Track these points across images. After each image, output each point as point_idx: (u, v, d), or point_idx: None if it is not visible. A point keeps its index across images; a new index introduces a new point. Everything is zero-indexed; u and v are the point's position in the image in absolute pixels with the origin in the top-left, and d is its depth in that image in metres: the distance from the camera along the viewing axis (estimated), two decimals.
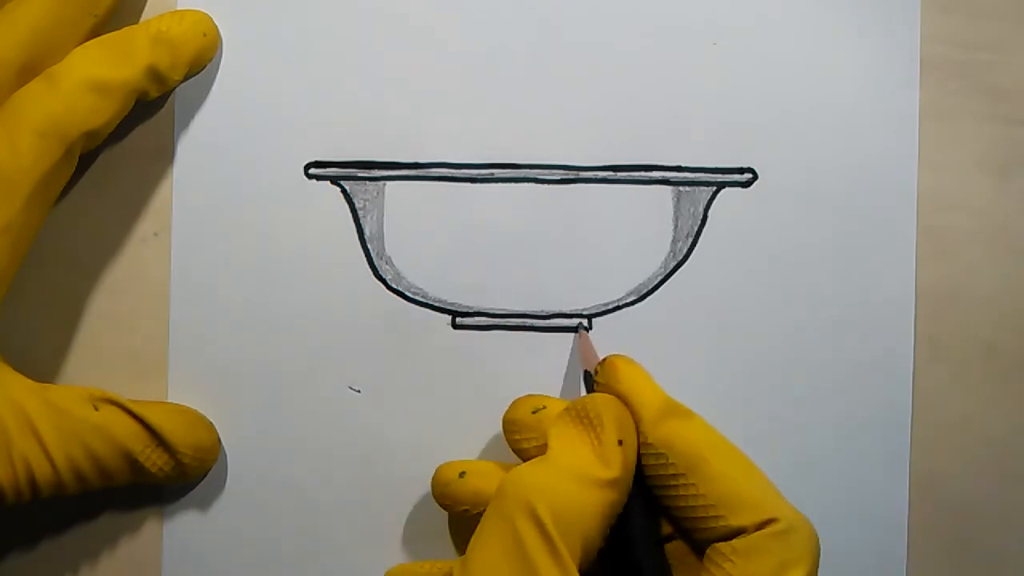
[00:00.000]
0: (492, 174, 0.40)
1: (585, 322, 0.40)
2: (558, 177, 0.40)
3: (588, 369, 0.38)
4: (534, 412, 0.37)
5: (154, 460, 0.38)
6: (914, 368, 0.40)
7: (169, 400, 0.40)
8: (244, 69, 0.40)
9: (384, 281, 0.40)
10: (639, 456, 0.35)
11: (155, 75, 0.38)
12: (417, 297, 0.40)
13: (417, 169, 0.40)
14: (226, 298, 0.40)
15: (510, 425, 0.38)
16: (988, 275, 0.40)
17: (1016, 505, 0.40)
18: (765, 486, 0.34)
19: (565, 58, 0.40)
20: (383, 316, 0.40)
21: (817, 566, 0.33)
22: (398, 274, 0.40)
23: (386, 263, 0.40)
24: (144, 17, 0.40)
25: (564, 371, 0.40)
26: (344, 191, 0.40)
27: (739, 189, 0.40)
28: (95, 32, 0.38)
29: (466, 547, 0.34)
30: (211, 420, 0.40)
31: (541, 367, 0.40)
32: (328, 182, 0.40)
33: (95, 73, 0.37)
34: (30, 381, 0.38)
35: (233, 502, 0.40)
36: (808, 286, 0.40)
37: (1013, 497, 0.40)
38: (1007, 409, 0.40)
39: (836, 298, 0.40)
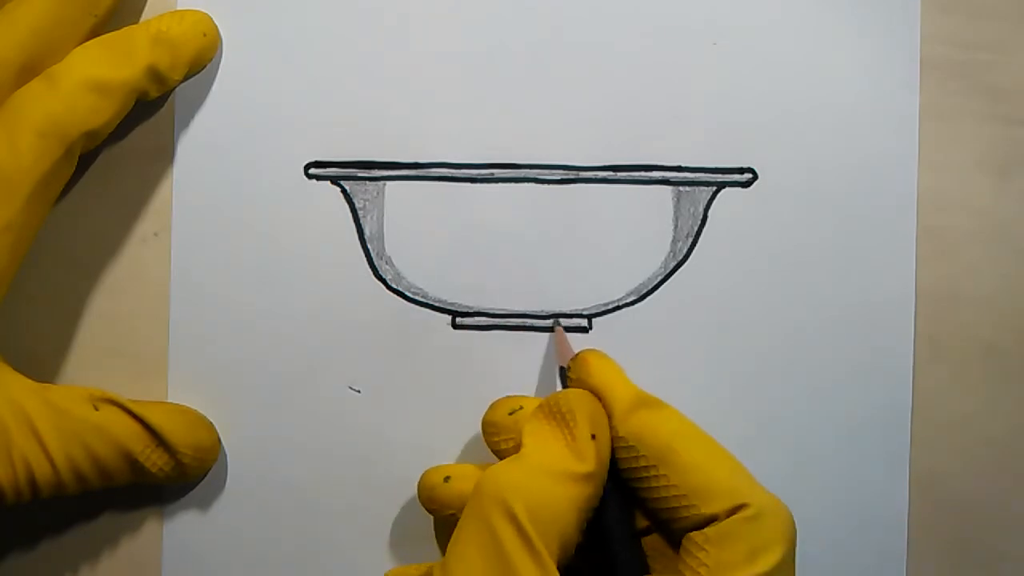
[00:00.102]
0: (492, 174, 0.40)
1: (584, 321, 0.40)
2: (558, 177, 0.40)
3: (563, 365, 0.38)
4: (511, 413, 0.37)
5: (154, 460, 0.38)
6: (914, 368, 0.40)
7: (169, 400, 0.40)
8: (244, 69, 0.40)
9: (384, 281, 0.40)
10: (612, 450, 0.35)
11: (155, 75, 0.38)
12: (417, 297, 0.40)
13: (417, 169, 0.40)
14: (226, 298, 0.40)
15: (488, 427, 0.38)
16: (988, 275, 0.40)
17: (1016, 505, 0.40)
18: (736, 472, 0.34)
19: (565, 58, 0.40)
20: (383, 316, 0.40)
21: (793, 548, 0.33)
22: (398, 274, 0.40)
23: (386, 263, 0.40)
24: (144, 17, 0.40)
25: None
26: (344, 191, 0.40)
27: (739, 189, 0.40)
28: (95, 32, 0.38)
29: None
30: (211, 420, 0.40)
31: (541, 367, 0.40)
32: (328, 182, 0.40)
33: (95, 73, 0.37)
34: (30, 381, 0.38)
35: (233, 502, 0.40)
36: (808, 286, 0.40)
37: (1013, 497, 0.40)
38: (1007, 409, 0.40)
39: (836, 298, 0.40)
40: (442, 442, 0.40)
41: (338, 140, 0.40)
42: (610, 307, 0.40)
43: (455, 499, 0.37)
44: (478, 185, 0.40)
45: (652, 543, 0.35)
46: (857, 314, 0.40)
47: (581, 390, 0.36)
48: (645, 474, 0.34)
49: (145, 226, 0.40)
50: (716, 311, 0.40)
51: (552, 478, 0.33)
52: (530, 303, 0.40)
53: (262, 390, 0.40)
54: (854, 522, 0.40)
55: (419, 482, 0.38)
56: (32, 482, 0.36)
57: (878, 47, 0.40)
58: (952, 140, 0.40)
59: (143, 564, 0.40)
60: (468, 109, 0.40)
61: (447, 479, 0.38)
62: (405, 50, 0.40)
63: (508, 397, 0.38)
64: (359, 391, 0.40)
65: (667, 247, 0.40)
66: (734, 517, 0.33)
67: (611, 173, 0.40)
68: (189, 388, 0.40)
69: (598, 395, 0.35)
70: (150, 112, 0.40)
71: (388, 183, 0.40)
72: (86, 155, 0.39)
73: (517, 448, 0.36)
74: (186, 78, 0.39)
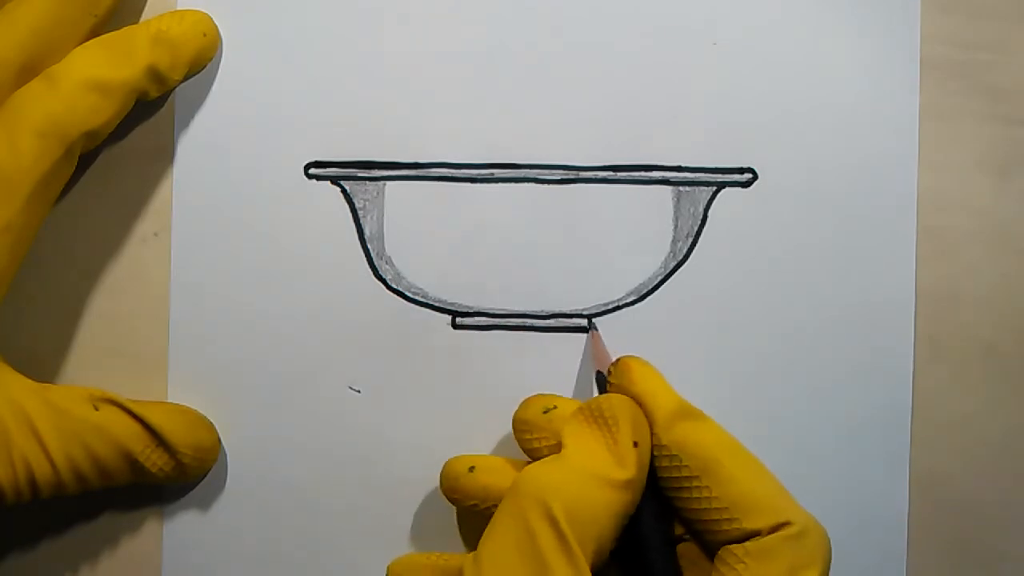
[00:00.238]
0: (492, 174, 0.40)
1: (585, 321, 0.40)
2: (558, 177, 0.40)
3: (600, 369, 0.37)
4: (545, 412, 0.37)
5: (154, 460, 0.38)
6: (914, 368, 0.40)
7: (169, 400, 0.40)
8: (244, 69, 0.40)
9: (384, 281, 0.40)
10: (652, 458, 0.35)
11: (155, 75, 0.38)
12: (417, 297, 0.40)
13: (417, 169, 0.40)
14: (226, 298, 0.40)
15: (521, 425, 0.38)
16: (988, 275, 0.40)
17: (1016, 505, 0.40)
18: (778, 489, 0.34)
19: (565, 58, 0.40)
20: (383, 316, 0.40)
21: (828, 570, 0.34)
22: (398, 274, 0.40)
23: (386, 263, 0.40)
24: (144, 17, 0.40)
25: (564, 371, 0.40)
26: (344, 191, 0.40)
27: (739, 189, 0.40)
28: (95, 32, 0.38)
29: (474, 542, 0.34)
30: (211, 420, 0.40)
31: (541, 367, 0.40)
32: (328, 182, 0.40)
33: (95, 73, 0.37)
34: (30, 381, 0.38)
35: (233, 502, 0.40)
36: (808, 286, 0.40)
37: (1013, 497, 0.40)
38: (1007, 409, 0.40)
39: (836, 298, 0.40)
40: (442, 442, 0.40)
41: (338, 140, 0.40)
42: (610, 307, 0.40)
43: (479, 490, 0.37)
44: (478, 185, 0.40)
45: (686, 551, 0.35)
46: (857, 314, 0.40)
47: (624, 396, 0.35)
48: (687, 484, 0.34)
49: (145, 226, 0.40)
50: (716, 311, 0.40)
51: (592, 481, 0.33)
52: (530, 303, 0.40)
53: (262, 390, 0.40)
54: (854, 522, 0.40)
55: (442, 471, 0.38)
56: (32, 482, 0.36)
57: (878, 47, 0.40)
58: (952, 140, 0.40)
59: (143, 564, 0.40)
60: (468, 109, 0.40)
61: (472, 469, 0.38)
62: (405, 50, 0.40)
63: (540, 395, 0.38)
64: (359, 391, 0.40)
65: (667, 247, 0.40)
66: (777, 534, 0.33)
67: (611, 173, 0.40)
68: (189, 388, 0.40)
69: (640, 402, 0.35)
70: (150, 112, 0.40)
71: (388, 183, 0.40)
72: (86, 155, 0.39)
73: (550, 447, 0.36)
74: (186, 78, 0.39)
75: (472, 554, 0.34)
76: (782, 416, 0.40)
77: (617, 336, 0.40)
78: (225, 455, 0.40)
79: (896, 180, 0.40)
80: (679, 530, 0.35)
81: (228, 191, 0.40)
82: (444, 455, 0.39)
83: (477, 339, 0.40)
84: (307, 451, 0.40)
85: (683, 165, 0.40)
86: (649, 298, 0.40)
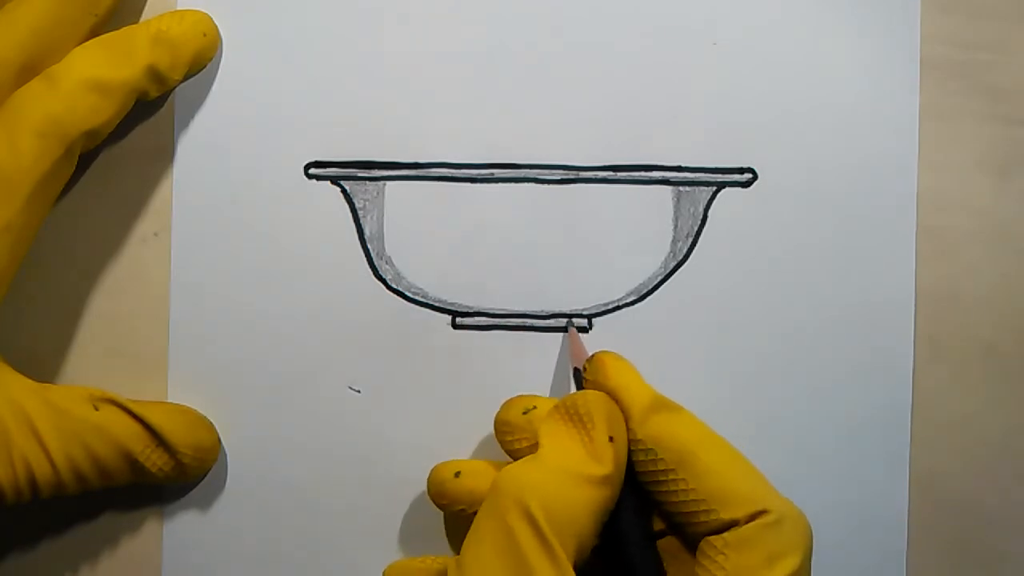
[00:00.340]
0: (492, 174, 0.40)
1: (585, 321, 0.40)
2: (558, 177, 0.40)
3: (577, 366, 0.38)
4: (524, 412, 0.37)
5: (154, 460, 0.38)
6: (914, 368, 0.40)
7: (169, 400, 0.40)
8: (244, 69, 0.40)
9: (384, 281, 0.40)
10: (629, 452, 0.35)
11: (155, 75, 0.38)
12: (417, 297, 0.40)
13: (417, 169, 0.40)
14: (226, 298, 0.40)
15: (501, 426, 0.38)
16: (988, 275, 0.40)
17: (1016, 505, 0.40)
18: (755, 478, 0.34)
19: (565, 58, 0.40)
20: (383, 316, 0.40)
21: (810, 556, 0.34)
22: (398, 274, 0.40)
23: (386, 263, 0.40)
24: (144, 17, 0.40)
25: (564, 371, 0.40)
26: (344, 191, 0.40)
27: (739, 189, 0.40)
28: (95, 32, 0.38)
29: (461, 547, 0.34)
30: (211, 420, 0.40)
31: (541, 367, 0.40)
32: (328, 182, 0.40)
33: (95, 73, 0.37)
34: (30, 381, 0.38)
35: (233, 502, 0.40)
36: (808, 286, 0.40)
37: (1013, 497, 0.40)
38: (1007, 409, 0.40)
39: (836, 298, 0.40)
40: (442, 442, 0.40)
41: (338, 140, 0.40)
42: (610, 307, 0.40)
43: (465, 495, 0.38)
44: (478, 185, 0.40)
45: (666, 546, 0.35)
46: (857, 314, 0.40)
47: (598, 392, 0.35)
48: (663, 478, 0.34)
49: (145, 226, 0.40)
50: (716, 311, 0.40)
51: (570, 479, 0.33)
52: (530, 303, 0.40)
53: (262, 390, 0.40)
54: (854, 522, 0.40)
55: (429, 477, 0.38)
56: (32, 482, 0.36)
57: (878, 47, 0.40)
58: (952, 140, 0.40)
59: (143, 564, 0.40)
60: (468, 109, 0.40)
61: (457, 474, 0.38)
62: (405, 50, 0.40)
63: (521, 396, 0.38)
64: (359, 391, 0.40)
65: (667, 247, 0.40)
66: (754, 523, 0.33)
67: (611, 173, 0.40)
68: (189, 388, 0.40)
69: (615, 397, 0.35)
70: (150, 112, 0.40)
71: (388, 183, 0.40)
72: (86, 155, 0.39)
73: (530, 448, 0.36)
74: (186, 78, 0.39)
75: (455, 558, 0.34)
76: (782, 416, 0.40)
77: (617, 336, 0.40)
78: (225, 455, 0.40)
79: (896, 180, 0.40)
80: (660, 525, 0.35)
81: (228, 191, 0.40)
82: (444, 455, 0.39)
83: (477, 339, 0.40)
84: (307, 451, 0.40)
85: (683, 165, 0.40)
86: (649, 298, 0.40)
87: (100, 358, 0.40)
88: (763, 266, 0.40)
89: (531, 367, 0.40)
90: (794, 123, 0.40)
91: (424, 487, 0.39)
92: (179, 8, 0.40)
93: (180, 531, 0.40)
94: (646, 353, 0.39)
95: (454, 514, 0.38)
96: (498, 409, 0.38)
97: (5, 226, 0.36)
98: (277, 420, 0.40)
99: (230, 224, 0.40)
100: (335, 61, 0.40)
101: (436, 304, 0.40)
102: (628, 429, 0.35)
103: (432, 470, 0.38)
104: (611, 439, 0.34)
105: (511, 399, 0.38)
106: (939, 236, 0.40)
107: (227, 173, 0.40)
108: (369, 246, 0.40)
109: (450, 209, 0.40)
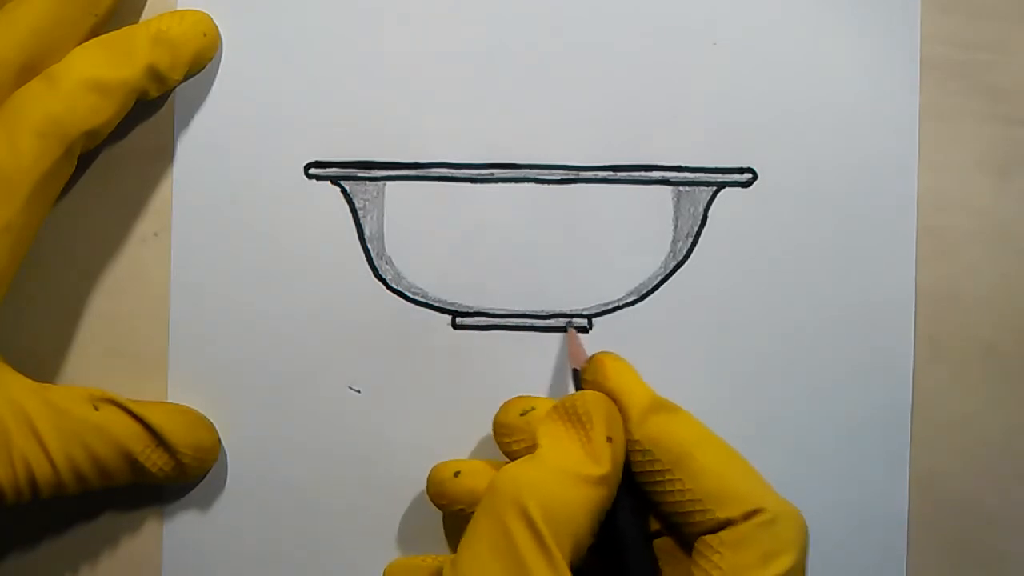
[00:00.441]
0: (492, 174, 0.40)
1: (585, 321, 0.40)
2: (558, 177, 0.40)
3: (576, 367, 0.38)
4: (522, 414, 0.37)
5: (154, 460, 0.38)
6: (914, 368, 0.40)
7: (169, 400, 0.40)
8: (244, 69, 0.40)
9: (384, 281, 0.40)
10: (627, 453, 0.35)
11: (155, 75, 0.38)
12: (417, 297, 0.40)
13: (417, 169, 0.40)
14: (226, 298, 0.40)
15: (500, 428, 0.38)
16: (988, 275, 0.40)
17: (1016, 505, 0.40)
18: (751, 477, 0.34)
19: (565, 58, 0.40)
20: (383, 316, 0.40)
21: (805, 554, 0.34)
22: (398, 274, 0.40)
23: (386, 263, 0.40)
24: (144, 17, 0.40)
25: (564, 371, 0.40)
26: (344, 191, 0.40)
27: (739, 189, 0.40)
28: (95, 32, 0.38)
29: None
30: (211, 420, 0.40)
31: (541, 367, 0.40)
32: (328, 182, 0.40)
33: (95, 73, 0.37)
34: (30, 381, 0.38)
35: (233, 502, 0.40)
36: (808, 286, 0.40)
37: (1013, 497, 0.40)
38: (1007, 409, 0.40)
39: (836, 298, 0.40)
40: (442, 442, 0.40)
41: (338, 140, 0.40)
42: (610, 307, 0.40)
43: (464, 494, 0.38)
44: (478, 185, 0.40)
45: (663, 545, 0.35)
46: (857, 314, 0.40)
47: (597, 392, 0.35)
48: (660, 478, 0.34)
49: (145, 226, 0.40)
50: (716, 311, 0.40)
51: (567, 479, 0.33)
52: (530, 303, 0.40)
53: (262, 390, 0.40)
54: (854, 522, 0.40)
55: (428, 476, 0.38)
56: (32, 482, 0.36)
57: (878, 47, 0.40)
58: (952, 140, 0.40)
59: (143, 564, 0.40)
60: (468, 109, 0.40)
61: (457, 474, 0.38)
62: (405, 50, 0.40)
63: (519, 398, 0.38)
64: (359, 391, 0.40)
65: (667, 247, 0.40)
66: (750, 521, 0.33)
67: (611, 173, 0.40)
68: (189, 388, 0.40)
69: (613, 398, 0.35)
70: (150, 112, 0.40)
71: (388, 183, 0.40)
72: (86, 155, 0.39)
73: (528, 449, 0.36)
74: (186, 78, 0.39)
75: (451, 557, 0.34)
76: (782, 416, 0.40)
77: (617, 336, 0.40)
78: (225, 455, 0.40)
79: (896, 180, 0.40)
80: (656, 525, 0.36)
81: (228, 191, 0.40)
82: (444, 455, 0.39)
83: (477, 339, 0.40)
84: (307, 451, 0.40)
85: (683, 165, 0.40)
86: (649, 298, 0.40)
87: (100, 358, 0.40)
88: (763, 266, 0.40)
89: (531, 367, 0.40)
90: (794, 123, 0.40)
91: (424, 487, 0.39)
92: (179, 8, 0.40)
93: (180, 531, 0.40)
94: (646, 353, 0.39)
95: (453, 514, 0.38)
96: (497, 411, 0.38)
97: (5, 226, 0.36)
98: (277, 420, 0.40)
99: (230, 224, 0.40)
100: (335, 61, 0.40)
101: (436, 304, 0.40)
102: (626, 430, 0.35)
103: (431, 470, 0.38)
104: (609, 439, 0.34)
105: (509, 401, 0.38)
106: (939, 236, 0.40)
107: (227, 173, 0.40)
108: (369, 246, 0.40)
109: (450, 209, 0.40)
